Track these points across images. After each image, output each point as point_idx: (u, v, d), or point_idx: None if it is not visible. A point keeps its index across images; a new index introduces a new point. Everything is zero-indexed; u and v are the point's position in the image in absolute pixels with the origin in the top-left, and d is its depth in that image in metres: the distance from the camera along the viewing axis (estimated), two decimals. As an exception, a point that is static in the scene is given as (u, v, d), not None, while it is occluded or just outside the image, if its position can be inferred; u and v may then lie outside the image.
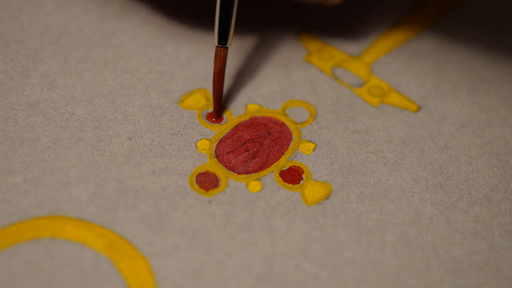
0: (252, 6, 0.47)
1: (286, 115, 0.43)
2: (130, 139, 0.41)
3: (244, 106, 0.43)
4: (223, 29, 0.41)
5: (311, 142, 0.42)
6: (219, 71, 0.41)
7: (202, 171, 0.40)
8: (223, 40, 0.41)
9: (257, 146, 0.41)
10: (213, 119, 0.42)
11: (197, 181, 0.40)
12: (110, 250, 0.37)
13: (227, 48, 0.41)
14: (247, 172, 0.40)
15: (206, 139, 0.41)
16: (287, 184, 0.40)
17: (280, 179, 0.40)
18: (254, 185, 0.40)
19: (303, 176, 0.40)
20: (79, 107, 0.42)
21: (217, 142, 0.41)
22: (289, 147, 0.41)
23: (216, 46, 0.41)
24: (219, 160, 0.40)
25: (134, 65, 0.44)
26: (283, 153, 0.41)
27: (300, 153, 0.41)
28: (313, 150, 0.41)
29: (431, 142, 0.42)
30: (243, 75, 0.44)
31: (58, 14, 0.46)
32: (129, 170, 0.40)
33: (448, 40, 0.47)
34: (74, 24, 0.45)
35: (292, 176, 0.40)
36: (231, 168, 0.40)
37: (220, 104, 0.42)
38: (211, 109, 0.42)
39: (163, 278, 0.36)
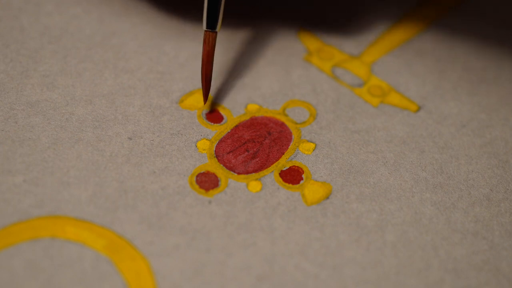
0: (252, 5, 0.47)
1: (286, 115, 0.43)
2: (130, 139, 0.41)
3: (244, 106, 0.43)
4: (212, 13, 0.40)
5: (311, 142, 0.42)
6: (207, 56, 0.41)
7: (202, 171, 0.40)
8: (211, 24, 0.41)
9: (257, 146, 0.41)
10: (205, 109, 0.42)
11: (197, 181, 0.40)
12: (110, 250, 0.37)
13: (216, 32, 0.41)
14: (247, 172, 0.40)
15: (206, 139, 0.41)
16: (287, 184, 0.40)
17: (280, 179, 0.40)
18: (254, 185, 0.40)
19: (303, 176, 0.40)
20: (79, 107, 0.42)
21: (217, 142, 0.41)
22: (289, 147, 0.41)
23: (205, 30, 0.41)
24: (219, 160, 0.40)
25: (134, 65, 0.44)
26: (283, 153, 0.41)
27: (300, 153, 0.41)
28: (313, 150, 0.41)
29: (431, 142, 0.42)
30: (243, 75, 0.44)
31: (58, 14, 0.46)
32: (129, 170, 0.40)
33: (448, 40, 0.47)
34: (74, 24, 0.45)
35: (292, 176, 0.40)
36: (231, 168, 0.40)
37: (208, 90, 0.42)
38: (210, 109, 0.42)
39: (163, 278, 0.36)
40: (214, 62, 0.44)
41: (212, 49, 0.41)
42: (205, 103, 0.42)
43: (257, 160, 0.41)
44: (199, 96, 0.43)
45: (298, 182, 0.40)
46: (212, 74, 0.42)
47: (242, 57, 0.45)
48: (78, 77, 0.43)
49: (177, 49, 0.45)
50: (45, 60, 0.43)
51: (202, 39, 0.45)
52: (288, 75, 0.44)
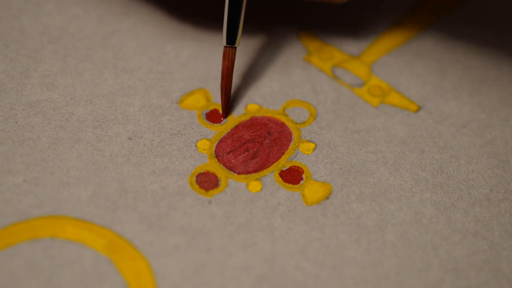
0: (253, 5, 0.47)
1: (286, 115, 0.43)
2: (130, 139, 0.41)
3: (244, 106, 0.43)
4: (232, 29, 0.40)
5: (311, 142, 0.42)
6: (227, 71, 0.41)
7: (202, 171, 0.40)
8: (231, 40, 0.41)
9: (257, 146, 0.41)
10: (222, 119, 0.42)
11: (197, 181, 0.40)
12: (110, 250, 0.37)
13: (235, 48, 0.41)
14: (247, 172, 0.40)
15: (206, 139, 0.41)
16: (287, 184, 0.40)
17: (280, 179, 0.40)
18: (254, 185, 0.40)
19: (303, 176, 0.40)
20: (79, 107, 0.42)
21: (217, 142, 0.41)
22: (289, 147, 0.41)
23: (225, 46, 0.41)
24: (219, 160, 0.40)
25: (134, 65, 0.44)
26: (283, 153, 0.41)
27: (300, 153, 0.41)
28: (313, 150, 0.41)
29: (431, 142, 0.42)
30: (243, 75, 0.44)
31: (58, 14, 0.46)
32: (129, 170, 0.40)
33: (448, 40, 0.47)
34: (74, 24, 0.45)
35: (292, 176, 0.40)
36: (231, 168, 0.40)
37: (228, 104, 0.42)
38: (210, 109, 0.42)
39: (163, 278, 0.36)
40: (215, 62, 0.44)
41: (232, 64, 0.41)
42: (224, 117, 0.42)
43: (257, 160, 0.41)
44: (199, 96, 0.43)
45: (298, 182, 0.40)
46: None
47: (242, 57, 0.45)
48: (78, 77, 0.43)
49: (177, 49, 0.45)
50: (45, 60, 0.43)
51: (202, 38, 0.45)
52: (288, 75, 0.44)
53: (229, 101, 0.42)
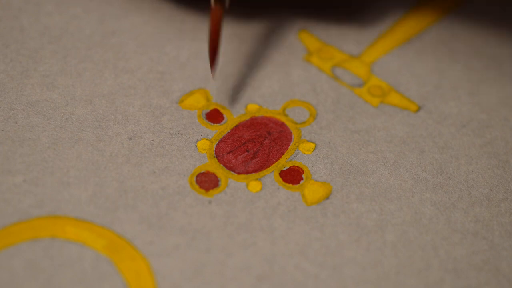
0: (252, 4, 0.47)
1: (286, 115, 0.43)
2: (130, 139, 0.41)
3: (244, 106, 0.43)
4: None
5: (311, 142, 0.42)
6: (215, 29, 0.40)
7: (202, 171, 0.40)
8: None
9: (257, 146, 0.41)
10: (212, 77, 0.41)
11: (197, 181, 0.40)
12: (110, 250, 0.37)
13: (223, 7, 0.40)
14: (247, 172, 0.40)
15: (206, 139, 0.41)
16: (287, 184, 0.40)
17: (280, 179, 0.40)
18: (254, 185, 0.40)
19: (303, 176, 0.40)
20: (79, 107, 0.42)
21: (217, 142, 0.41)
22: (289, 147, 0.41)
23: (211, 7, 0.40)
24: (219, 160, 0.40)
25: (134, 65, 0.44)
26: (283, 153, 0.41)
27: (300, 153, 0.41)
28: (313, 150, 0.41)
29: (431, 142, 0.42)
30: (243, 75, 0.44)
31: (58, 14, 0.46)
32: (129, 170, 0.40)
33: (448, 40, 0.47)
34: (74, 24, 0.45)
35: (292, 176, 0.40)
36: (231, 168, 0.40)
37: (216, 60, 0.41)
38: (210, 109, 0.42)
39: (163, 278, 0.36)
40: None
41: (220, 25, 0.40)
42: (212, 69, 0.41)
43: (257, 160, 0.41)
44: (199, 96, 0.43)
45: (298, 182, 0.40)
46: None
47: (242, 57, 0.45)
48: (78, 77, 0.43)
49: (177, 49, 0.45)
50: (45, 60, 0.43)
51: (202, 38, 0.45)
52: (288, 75, 0.44)
53: (217, 57, 0.41)
